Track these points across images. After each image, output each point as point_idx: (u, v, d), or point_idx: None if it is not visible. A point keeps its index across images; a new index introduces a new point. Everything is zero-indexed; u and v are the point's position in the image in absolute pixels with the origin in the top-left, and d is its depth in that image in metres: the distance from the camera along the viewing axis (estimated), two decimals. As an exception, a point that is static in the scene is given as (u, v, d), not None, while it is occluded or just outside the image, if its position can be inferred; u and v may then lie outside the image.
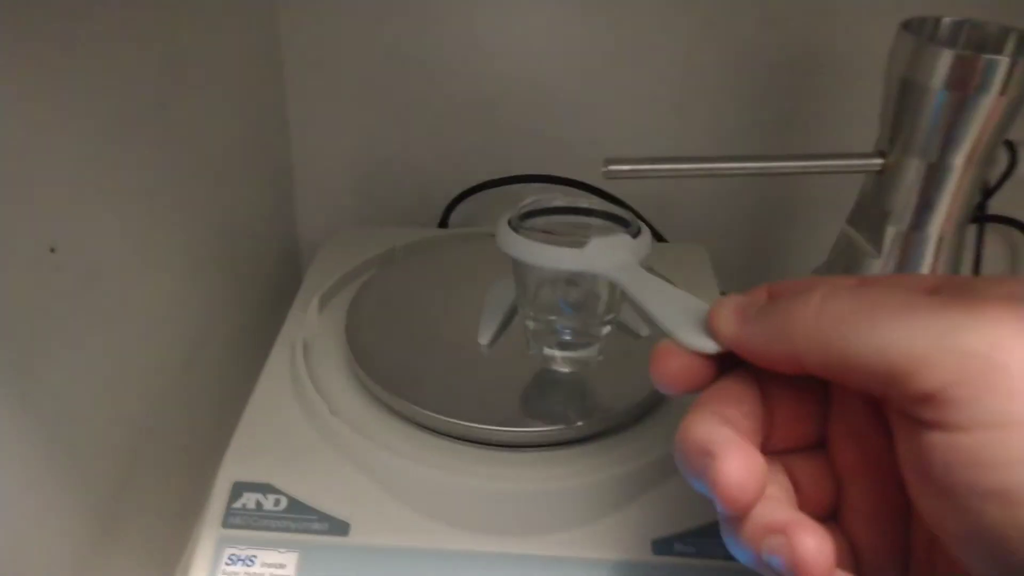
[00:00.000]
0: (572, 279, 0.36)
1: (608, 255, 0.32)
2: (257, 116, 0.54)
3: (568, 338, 0.37)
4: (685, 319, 0.28)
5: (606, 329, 0.37)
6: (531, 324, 0.38)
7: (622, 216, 0.36)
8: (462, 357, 0.40)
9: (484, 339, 0.41)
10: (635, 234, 0.34)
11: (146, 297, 0.40)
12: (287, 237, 0.62)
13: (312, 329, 0.43)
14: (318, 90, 0.57)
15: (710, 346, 0.26)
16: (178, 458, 0.42)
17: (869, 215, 0.44)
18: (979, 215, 0.58)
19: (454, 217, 0.58)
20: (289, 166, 0.60)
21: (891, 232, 0.42)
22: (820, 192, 0.58)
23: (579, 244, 0.33)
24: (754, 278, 0.62)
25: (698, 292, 0.47)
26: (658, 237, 0.57)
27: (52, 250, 0.32)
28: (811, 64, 0.55)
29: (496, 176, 0.57)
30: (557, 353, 0.37)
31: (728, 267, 0.60)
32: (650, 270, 0.33)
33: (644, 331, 0.42)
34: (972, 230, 0.58)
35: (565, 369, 0.38)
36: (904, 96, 0.40)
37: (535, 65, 0.56)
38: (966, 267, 0.57)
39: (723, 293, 0.49)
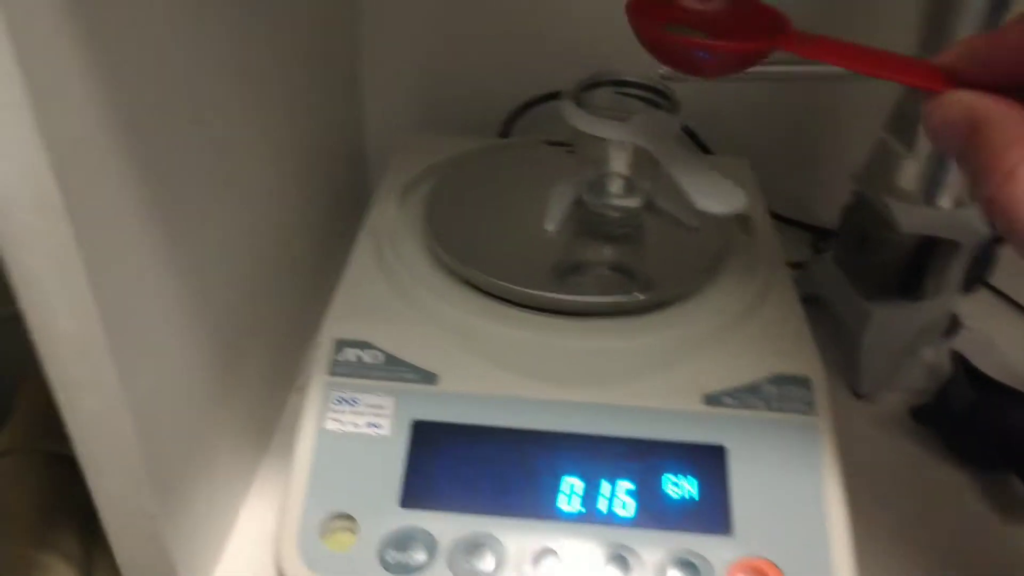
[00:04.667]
0: (620, 143, 0.43)
1: (645, 127, 0.41)
2: (327, 32, 0.58)
3: (618, 190, 0.45)
4: (702, 183, 0.35)
5: (649, 184, 0.45)
6: (590, 179, 0.45)
7: (665, 93, 0.44)
8: (531, 240, 0.45)
9: (551, 226, 0.45)
10: (670, 111, 0.42)
11: (251, 175, 0.44)
12: (357, 146, 0.66)
13: (394, 219, 0.48)
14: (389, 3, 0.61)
15: (719, 208, 0.33)
16: (277, 324, 0.47)
17: (905, 119, 0.47)
18: None
19: (516, 129, 0.62)
20: (360, 77, 0.64)
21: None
22: (861, 102, 0.61)
23: (624, 118, 0.41)
24: (793, 188, 0.65)
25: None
26: (704, 149, 0.61)
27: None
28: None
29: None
30: (610, 202, 0.45)
31: (768, 178, 0.63)
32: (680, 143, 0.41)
33: (695, 222, 0.46)
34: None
35: (616, 215, 0.46)
36: None
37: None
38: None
39: (772, 212, 0.52)
